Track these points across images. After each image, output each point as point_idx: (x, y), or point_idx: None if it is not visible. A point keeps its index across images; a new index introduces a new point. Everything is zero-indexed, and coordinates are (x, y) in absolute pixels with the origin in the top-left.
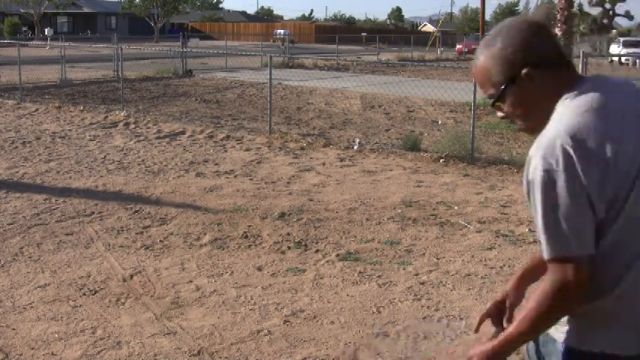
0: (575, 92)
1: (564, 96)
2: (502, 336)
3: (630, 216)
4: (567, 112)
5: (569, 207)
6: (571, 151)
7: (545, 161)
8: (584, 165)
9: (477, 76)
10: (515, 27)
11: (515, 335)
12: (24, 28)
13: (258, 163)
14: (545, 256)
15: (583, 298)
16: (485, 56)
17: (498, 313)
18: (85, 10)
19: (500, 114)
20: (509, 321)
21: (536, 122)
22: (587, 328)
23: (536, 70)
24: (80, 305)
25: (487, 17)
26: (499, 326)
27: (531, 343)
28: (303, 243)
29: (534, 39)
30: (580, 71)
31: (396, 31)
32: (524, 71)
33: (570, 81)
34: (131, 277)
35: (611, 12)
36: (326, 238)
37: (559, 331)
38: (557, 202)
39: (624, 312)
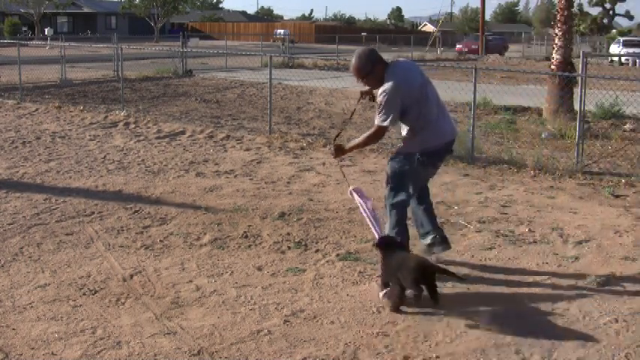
0: (390, 69)
1: (386, 73)
2: (351, 144)
3: (426, 108)
4: (391, 76)
5: (391, 106)
6: (395, 85)
7: (387, 88)
8: (398, 91)
9: (356, 69)
10: (367, 49)
11: (356, 145)
12: (24, 28)
13: (258, 163)
14: (375, 122)
15: (379, 139)
16: (360, 60)
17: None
18: (85, 10)
19: (364, 85)
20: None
21: (376, 86)
22: (422, 142)
23: (378, 65)
24: (80, 305)
25: (487, 17)
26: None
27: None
28: (303, 243)
29: (377, 54)
30: (580, 71)
31: (396, 31)
32: (376, 66)
33: (386, 66)
34: (131, 277)
35: (611, 12)
36: (326, 237)
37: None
38: (387, 103)
39: (432, 135)
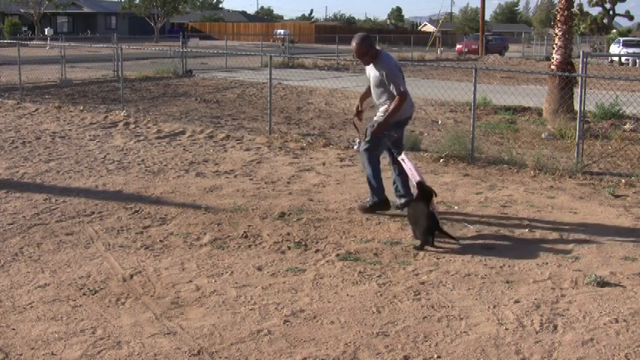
0: (384, 53)
1: (381, 56)
2: (384, 119)
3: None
4: (388, 58)
5: (400, 76)
6: (395, 64)
7: (390, 66)
8: (398, 67)
9: (356, 51)
10: (364, 35)
11: (388, 119)
12: (24, 28)
13: (258, 163)
14: (397, 93)
15: (405, 102)
16: (359, 43)
17: (357, 113)
18: (85, 10)
19: (361, 62)
20: (359, 118)
21: (368, 63)
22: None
23: (372, 49)
24: (80, 305)
25: (487, 17)
26: (358, 118)
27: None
28: (303, 243)
29: (370, 39)
30: (580, 71)
31: (396, 31)
32: (370, 49)
33: (377, 50)
34: (131, 277)
35: (611, 12)
36: (326, 238)
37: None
38: (398, 75)
39: (405, 108)
